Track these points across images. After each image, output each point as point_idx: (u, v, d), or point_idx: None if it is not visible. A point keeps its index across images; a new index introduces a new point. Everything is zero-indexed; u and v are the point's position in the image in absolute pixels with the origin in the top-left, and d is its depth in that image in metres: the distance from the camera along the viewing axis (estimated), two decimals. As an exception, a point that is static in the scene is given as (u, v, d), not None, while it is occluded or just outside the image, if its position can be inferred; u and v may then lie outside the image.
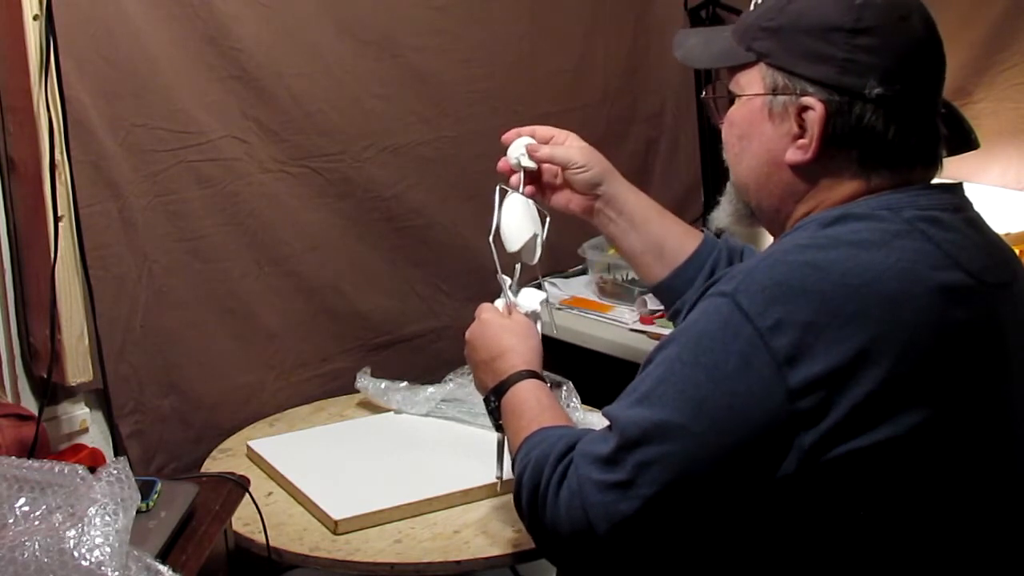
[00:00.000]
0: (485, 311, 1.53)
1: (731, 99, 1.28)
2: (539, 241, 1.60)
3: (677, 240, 1.59)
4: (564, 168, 1.60)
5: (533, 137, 1.63)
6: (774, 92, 1.21)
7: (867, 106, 1.17)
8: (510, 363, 1.43)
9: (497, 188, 1.59)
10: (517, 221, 1.59)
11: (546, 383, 1.42)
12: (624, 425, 1.15)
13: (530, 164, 1.62)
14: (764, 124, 1.23)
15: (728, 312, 1.12)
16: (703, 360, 1.12)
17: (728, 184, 1.33)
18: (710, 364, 1.11)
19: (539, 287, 1.62)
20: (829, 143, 1.19)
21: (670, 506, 1.13)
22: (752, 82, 1.24)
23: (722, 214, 1.35)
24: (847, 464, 1.09)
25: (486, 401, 1.45)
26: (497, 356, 1.45)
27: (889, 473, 1.11)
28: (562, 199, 1.63)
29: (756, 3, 1.27)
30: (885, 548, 1.13)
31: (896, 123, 1.18)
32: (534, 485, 1.23)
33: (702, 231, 1.63)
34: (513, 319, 1.51)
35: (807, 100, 1.19)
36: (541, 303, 1.57)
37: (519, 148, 1.62)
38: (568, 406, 1.91)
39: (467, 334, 1.52)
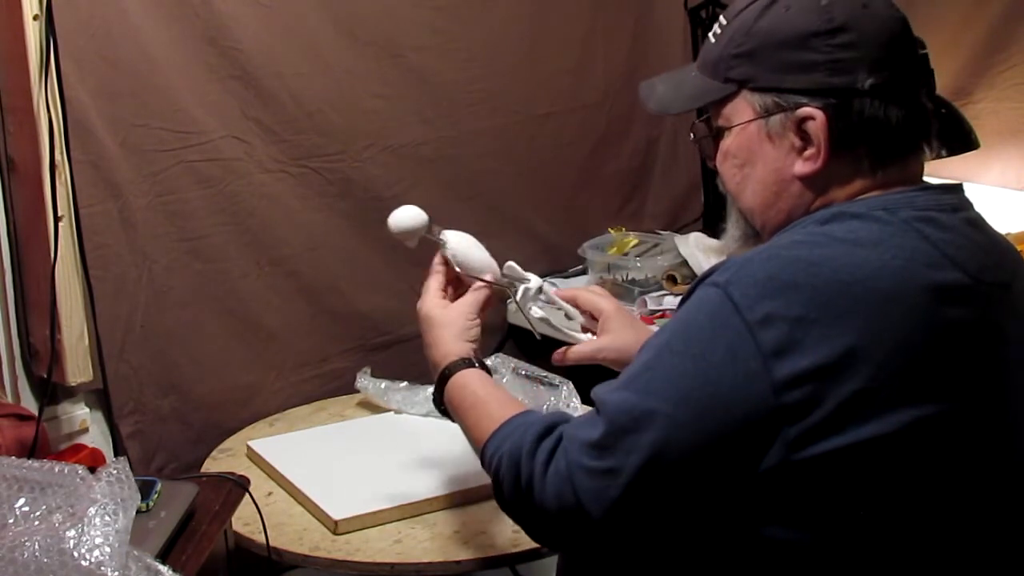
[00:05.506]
0: (422, 298, 1.53)
1: (718, 134, 1.28)
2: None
3: None
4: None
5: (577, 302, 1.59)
6: (767, 114, 1.21)
7: (864, 99, 1.17)
8: (438, 356, 1.45)
9: (439, 254, 1.54)
10: (471, 246, 1.56)
11: (475, 363, 1.43)
12: (611, 410, 1.16)
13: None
14: (764, 147, 1.23)
15: (719, 303, 1.12)
16: (691, 349, 1.12)
17: (732, 209, 1.32)
18: (697, 354, 1.12)
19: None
20: (837, 146, 1.19)
21: (655, 493, 1.13)
22: (739, 111, 1.24)
23: (729, 239, 1.35)
24: (832, 460, 1.09)
25: (435, 402, 1.47)
26: (429, 348, 1.48)
27: (878, 470, 1.11)
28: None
29: (715, 34, 1.26)
30: (875, 546, 1.13)
31: (895, 106, 1.18)
32: (515, 476, 1.22)
33: None
34: (438, 302, 1.51)
35: (805, 111, 1.18)
36: (532, 292, 1.56)
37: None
38: (568, 406, 1.91)
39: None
